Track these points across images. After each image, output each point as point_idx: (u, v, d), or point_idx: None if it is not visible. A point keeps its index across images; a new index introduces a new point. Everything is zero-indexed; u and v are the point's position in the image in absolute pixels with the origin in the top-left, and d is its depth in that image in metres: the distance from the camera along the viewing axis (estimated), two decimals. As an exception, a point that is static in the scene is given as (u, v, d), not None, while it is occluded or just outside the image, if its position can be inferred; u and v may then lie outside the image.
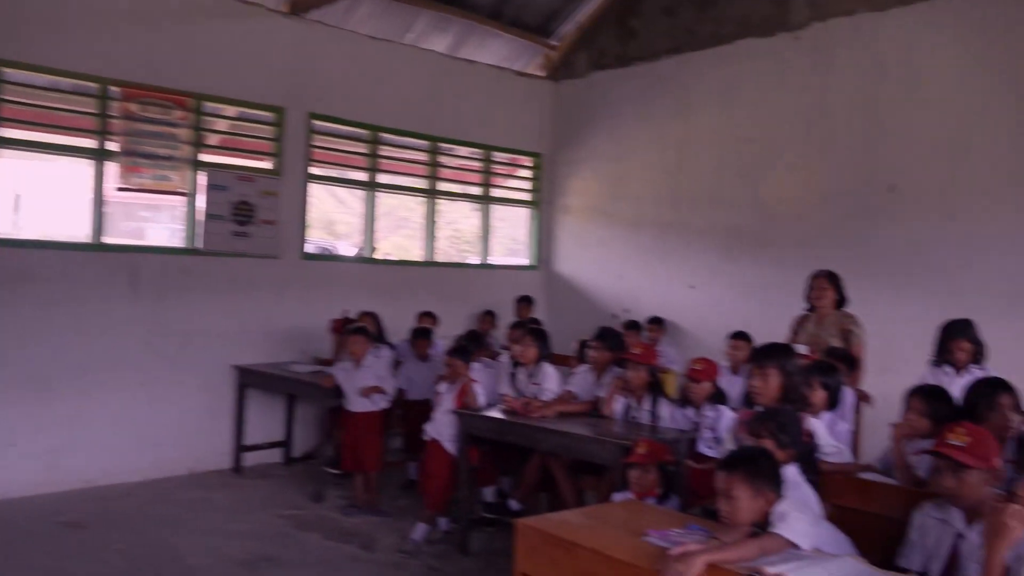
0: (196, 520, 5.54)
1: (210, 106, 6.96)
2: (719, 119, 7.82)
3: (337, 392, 5.92)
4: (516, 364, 5.44)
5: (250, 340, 7.03)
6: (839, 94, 6.94)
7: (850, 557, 2.61)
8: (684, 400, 4.66)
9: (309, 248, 7.70)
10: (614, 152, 8.76)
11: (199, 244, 6.80)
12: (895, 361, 5.53)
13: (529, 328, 5.66)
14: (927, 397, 3.49)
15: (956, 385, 4.25)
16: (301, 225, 7.41)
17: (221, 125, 7.24)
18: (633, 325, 7.45)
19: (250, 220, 7.01)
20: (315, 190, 7.79)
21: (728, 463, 2.79)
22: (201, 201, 6.79)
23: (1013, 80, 6.00)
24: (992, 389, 3.42)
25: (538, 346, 5.34)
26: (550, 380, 5.26)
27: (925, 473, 3.29)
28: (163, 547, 4.98)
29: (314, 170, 7.55)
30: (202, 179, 6.79)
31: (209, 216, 6.81)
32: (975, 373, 4.58)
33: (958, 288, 6.03)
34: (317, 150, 7.56)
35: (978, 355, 4.74)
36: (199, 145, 6.81)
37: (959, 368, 4.72)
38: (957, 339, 4.73)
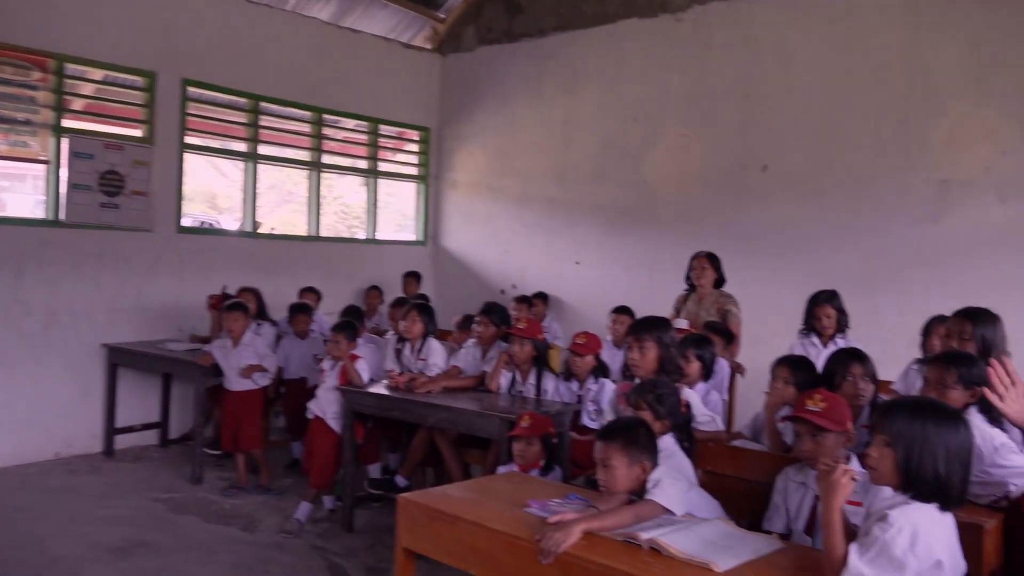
0: (63, 507, 5.24)
1: (73, 68, 6.53)
2: (604, 97, 7.94)
3: (215, 370, 5.74)
4: (402, 340, 5.40)
5: (121, 317, 6.69)
6: (717, 76, 7.17)
7: (720, 520, 2.73)
8: (568, 374, 4.75)
9: (186, 221, 7.37)
10: (501, 127, 8.77)
11: (63, 216, 6.40)
12: (765, 334, 5.80)
13: (414, 303, 5.61)
14: (792, 367, 3.67)
15: (822, 356, 4.50)
16: (177, 197, 7.07)
17: (86, 89, 6.80)
18: (524, 299, 7.51)
19: (119, 191, 6.64)
20: (192, 161, 7.46)
21: (605, 433, 2.86)
22: (65, 170, 6.38)
23: (874, 69, 6.35)
24: (847, 359, 3.64)
25: (424, 321, 5.30)
26: (436, 355, 5.24)
27: (791, 439, 3.47)
28: (26, 537, 4.69)
29: (190, 139, 7.20)
30: (65, 146, 6.38)
31: (73, 186, 6.40)
32: (838, 343, 4.89)
33: (824, 266, 6.36)
34: (193, 118, 7.22)
35: (842, 323, 5.07)
36: (61, 110, 6.39)
37: (825, 337, 5.03)
38: (823, 306, 5.06)
